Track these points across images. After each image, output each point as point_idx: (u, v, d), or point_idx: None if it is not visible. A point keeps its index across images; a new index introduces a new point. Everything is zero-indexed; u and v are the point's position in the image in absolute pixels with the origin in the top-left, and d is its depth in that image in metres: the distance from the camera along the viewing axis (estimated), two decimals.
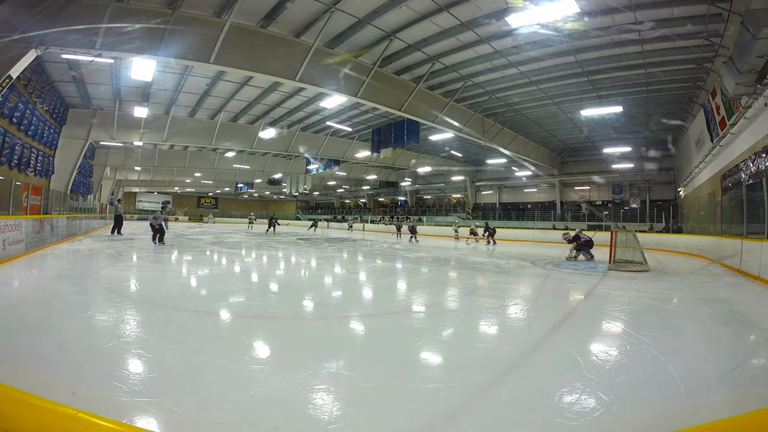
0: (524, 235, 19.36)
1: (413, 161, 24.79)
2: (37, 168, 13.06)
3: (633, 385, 2.32)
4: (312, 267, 8.11)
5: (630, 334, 3.41)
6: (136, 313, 3.74)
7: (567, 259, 9.50)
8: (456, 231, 19.20)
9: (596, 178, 24.19)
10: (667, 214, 17.96)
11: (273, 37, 9.45)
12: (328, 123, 17.37)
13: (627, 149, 19.61)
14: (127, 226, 25.03)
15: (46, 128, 13.32)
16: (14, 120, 10.82)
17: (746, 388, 2.29)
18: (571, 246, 9.63)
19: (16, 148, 11.20)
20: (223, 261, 8.44)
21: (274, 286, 5.80)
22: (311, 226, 25.05)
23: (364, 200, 41.19)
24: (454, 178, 30.88)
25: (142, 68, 9.83)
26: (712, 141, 10.39)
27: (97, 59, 8.60)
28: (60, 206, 12.93)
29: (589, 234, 9.91)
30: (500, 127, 16.95)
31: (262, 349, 2.94)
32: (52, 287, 5.04)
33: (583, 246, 9.37)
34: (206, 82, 13.27)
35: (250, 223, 26.29)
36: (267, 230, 21.68)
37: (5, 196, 8.33)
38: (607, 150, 20.44)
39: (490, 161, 25.24)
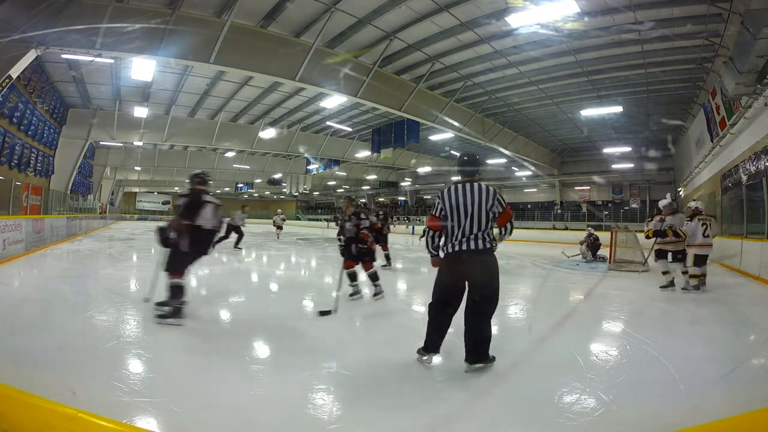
0: (524, 235, 19.33)
1: (413, 161, 24.78)
2: (37, 168, 13.05)
3: (633, 385, 2.32)
4: (312, 266, 8.11)
5: (630, 334, 3.41)
6: (136, 313, 3.74)
7: (584, 259, 9.41)
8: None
9: (596, 178, 24.17)
10: None
11: (273, 37, 9.44)
12: (328, 123, 17.35)
13: (627, 149, 19.58)
14: (126, 226, 25.00)
15: (46, 128, 13.31)
16: (14, 120, 10.81)
17: (746, 388, 2.29)
18: (582, 247, 9.52)
19: (16, 148, 11.19)
20: (223, 260, 8.44)
21: (274, 286, 5.79)
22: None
23: (364, 200, 41.19)
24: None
25: (142, 68, 9.82)
26: (712, 141, 10.38)
27: (97, 59, 8.60)
28: (60, 206, 12.94)
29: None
30: (500, 127, 16.94)
31: (262, 349, 2.94)
32: (52, 287, 5.03)
33: (594, 247, 9.34)
34: (206, 82, 13.26)
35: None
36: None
37: (5, 196, 8.34)
38: (607, 150, 20.41)
39: (490, 161, 25.20)
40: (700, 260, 5.24)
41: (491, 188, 2.53)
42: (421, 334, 2.55)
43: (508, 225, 2.56)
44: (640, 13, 8.19)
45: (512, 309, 4.51)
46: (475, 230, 2.40)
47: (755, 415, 1.77)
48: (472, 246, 2.38)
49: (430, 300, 2.53)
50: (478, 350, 2.40)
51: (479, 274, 2.37)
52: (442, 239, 2.53)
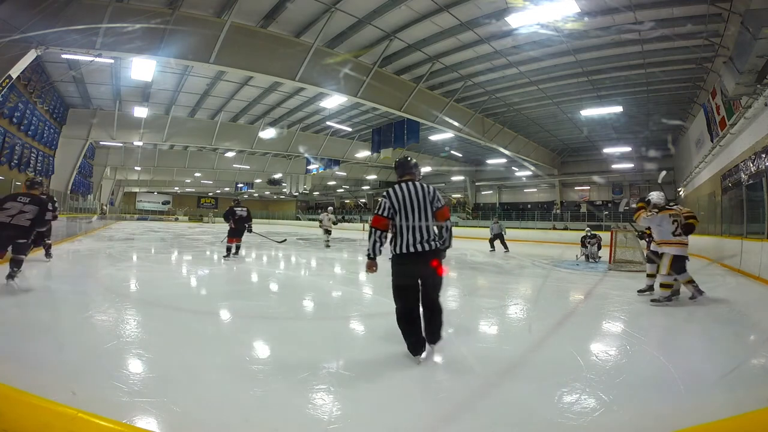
0: (524, 235, 19.34)
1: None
2: (37, 168, 13.05)
3: (633, 385, 2.32)
4: (312, 266, 8.11)
5: (630, 334, 3.41)
6: (136, 313, 3.74)
7: (589, 259, 9.42)
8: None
9: (596, 178, 24.20)
10: None
11: (273, 37, 9.45)
12: (328, 123, 17.37)
13: (627, 149, 19.60)
14: (127, 226, 25.00)
15: (46, 128, 13.32)
16: (14, 120, 10.81)
17: (746, 388, 2.28)
18: (592, 247, 9.51)
19: (16, 148, 11.19)
20: (223, 261, 8.43)
21: (274, 286, 5.79)
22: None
23: (364, 200, 41.16)
24: (454, 178, 30.87)
25: (142, 68, 9.84)
26: (712, 141, 10.38)
27: (97, 59, 8.61)
28: (60, 206, 12.92)
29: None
30: (500, 127, 16.95)
31: (262, 349, 2.94)
32: (52, 287, 5.03)
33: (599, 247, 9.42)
34: (206, 82, 13.27)
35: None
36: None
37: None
38: (607, 150, 20.44)
39: (490, 161, 25.23)
40: (678, 263, 4.35)
41: (431, 186, 2.62)
42: None
43: (449, 223, 2.61)
44: (640, 13, 8.20)
45: (512, 309, 4.51)
46: (425, 226, 2.47)
47: (755, 415, 1.77)
48: (427, 247, 2.46)
49: (397, 309, 2.54)
50: (439, 330, 2.60)
51: (432, 270, 2.51)
52: (388, 238, 2.55)
